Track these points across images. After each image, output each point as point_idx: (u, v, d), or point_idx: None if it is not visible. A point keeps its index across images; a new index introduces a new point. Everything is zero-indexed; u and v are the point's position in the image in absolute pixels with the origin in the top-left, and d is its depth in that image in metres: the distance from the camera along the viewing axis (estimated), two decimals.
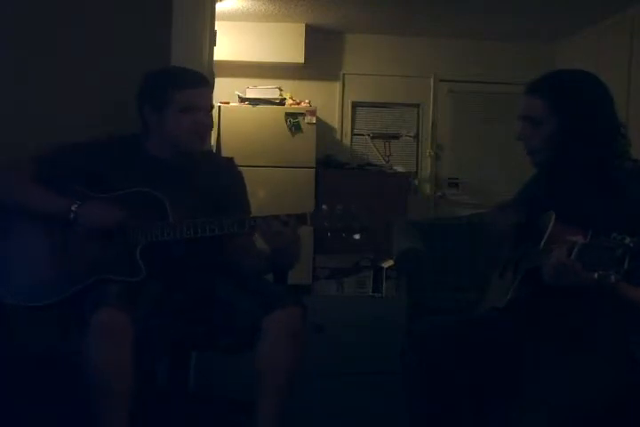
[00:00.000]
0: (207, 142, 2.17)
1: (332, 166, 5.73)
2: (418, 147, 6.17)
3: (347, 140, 6.07)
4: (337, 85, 6.02)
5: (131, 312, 1.85)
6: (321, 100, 5.86)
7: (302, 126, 5.49)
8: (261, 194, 5.04)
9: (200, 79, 2.11)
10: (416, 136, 6.16)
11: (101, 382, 1.83)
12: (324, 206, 1.97)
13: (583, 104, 1.77)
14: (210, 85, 2.12)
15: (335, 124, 6.04)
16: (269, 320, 1.94)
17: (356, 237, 1.97)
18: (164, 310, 2.00)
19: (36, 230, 2.03)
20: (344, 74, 6.02)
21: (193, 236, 1.96)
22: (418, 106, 6.13)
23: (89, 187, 2.05)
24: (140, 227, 1.98)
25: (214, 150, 5.02)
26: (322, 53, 5.81)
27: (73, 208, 1.97)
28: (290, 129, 5.48)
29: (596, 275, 1.47)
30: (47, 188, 2.02)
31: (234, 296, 2.04)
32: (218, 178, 2.17)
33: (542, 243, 1.70)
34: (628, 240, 1.44)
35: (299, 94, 5.73)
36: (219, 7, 4.64)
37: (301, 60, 5.62)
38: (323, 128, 5.80)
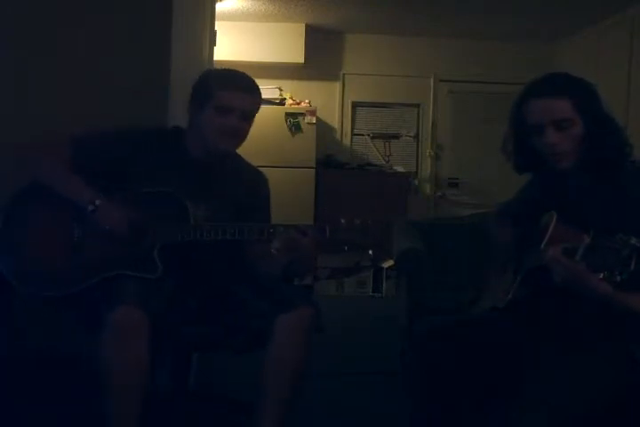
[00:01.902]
0: (235, 146, 2.15)
1: (332, 166, 5.73)
2: (418, 147, 6.17)
3: (347, 141, 6.07)
4: (337, 85, 6.02)
5: (147, 310, 1.85)
6: (321, 100, 5.86)
7: (302, 126, 5.49)
8: None
9: (246, 84, 2.10)
10: (416, 136, 6.16)
11: (117, 380, 1.84)
12: (342, 220, 1.98)
13: (599, 105, 1.76)
14: (256, 93, 2.10)
15: (335, 124, 6.04)
16: (282, 321, 1.95)
17: (371, 252, 1.97)
18: (178, 309, 2.01)
19: (56, 221, 2.04)
20: (344, 74, 6.02)
21: (212, 239, 1.98)
22: (418, 106, 6.13)
23: (119, 178, 2.06)
24: (161, 227, 1.99)
25: None
26: (322, 53, 5.81)
27: (97, 203, 1.98)
28: (290, 129, 5.48)
29: (601, 275, 1.47)
30: (75, 175, 2.03)
31: (247, 296, 2.05)
32: (247, 187, 2.18)
33: (544, 243, 1.70)
34: (634, 241, 1.42)
35: (299, 94, 5.73)
36: (219, 7, 4.64)
37: (301, 60, 5.62)
38: (323, 128, 5.80)
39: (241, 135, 2.12)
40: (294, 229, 1.96)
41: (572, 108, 1.73)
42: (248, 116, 2.10)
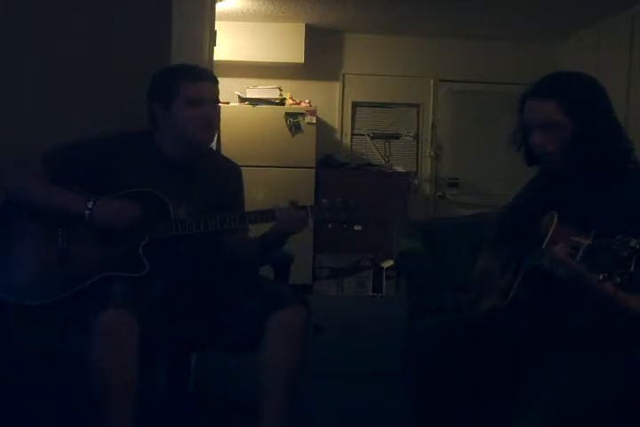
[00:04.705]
0: (214, 135, 2.21)
1: (332, 166, 5.73)
2: (418, 147, 6.17)
3: (347, 141, 6.07)
4: (337, 85, 6.02)
5: (136, 312, 1.86)
6: (321, 100, 5.86)
7: (302, 126, 5.48)
8: (261, 194, 5.04)
9: (205, 73, 2.15)
10: (416, 136, 6.16)
11: (107, 383, 1.84)
12: (323, 200, 2.03)
13: (593, 105, 1.75)
14: (215, 80, 2.15)
15: (335, 124, 6.04)
16: (273, 320, 1.95)
17: (358, 228, 2.01)
18: (168, 310, 2.01)
19: (38, 230, 2.04)
20: (344, 74, 6.02)
21: (195, 231, 1.99)
22: (418, 106, 6.13)
23: (96, 185, 2.06)
24: (143, 225, 1.99)
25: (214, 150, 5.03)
26: (322, 53, 5.81)
27: (89, 205, 1.98)
28: (290, 129, 5.48)
29: (601, 276, 1.47)
30: (60, 186, 2.03)
31: (239, 296, 2.05)
32: (221, 179, 2.20)
33: (545, 243, 1.70)
34: (634, 242, 1.43)
35: (299, 94, 5.73)
36: (219, 7, 4.63)
37: (301, 60, 5.62)
38: (323, 128, 5.80)
39: (216, 124, 2.17)
40: (277, 212, 2.01)
41: (561, 110, 1.73)
42: (216, 105, 2.15)
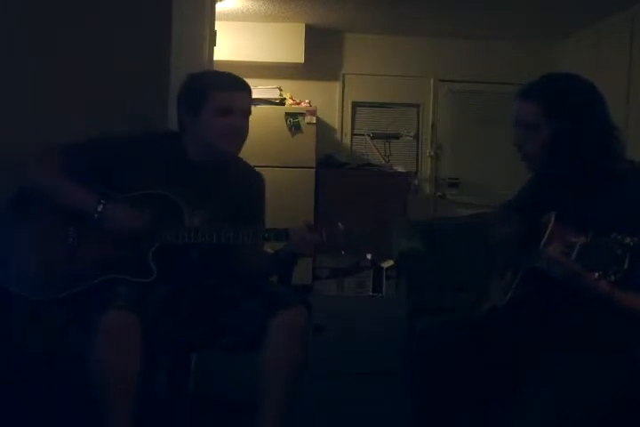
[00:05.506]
0: (241, 146, 2.14)
1: (332, 166, 5.73)
2: (418, 147, 6.17)
3: (347, 141, 6.07)
4: (337, 85, 6.02)
5: (138, 314, 1.86)
6: (321, 100, 5.86)
7: (302, 126, 5.48)
8: None
9: (237, 82, 2.10)
10: (416, 136, 6.16)
11: (107, 383, 1.84)
12: (340, 225, 1.98)
13: (576, 107, 1.75)
14: (247, 89, 2.11)
15: (335, 124, 6.04)
16: (274, 320, 1.95)
17: (369, 257, 2.00)
18: (170, 313, 2.00)
19: (50, 225, 2.03)
20: (344, 74, 6.02)
21: (207, 241, 1.98)
22: (418, 106, 6.13)
23: (116, 182, 2.05)
24: (155, 229, 1.98)
25: None
26: (322, 53, 5.81)
27: (99, 209, 1.97)
28: (290, 129, 5.48)
29: (596, 274, 1.48)
30: (76, 182, 2.01)
31: (239, 296, 2.05)
32: (242, 188, 2.18)
33: (542, 243, 1.70)
34: (628, 240, 1.44)
35: (299, 94, 5.73)
36: (219, 7, 4.63)
37: (301, 60, 5.62)
38: (323, 128, 5.80)
39: (244, 134, 2.11)
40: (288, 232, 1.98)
41: (540, 112, 1.75)
42: (247, 115, 2.10)
